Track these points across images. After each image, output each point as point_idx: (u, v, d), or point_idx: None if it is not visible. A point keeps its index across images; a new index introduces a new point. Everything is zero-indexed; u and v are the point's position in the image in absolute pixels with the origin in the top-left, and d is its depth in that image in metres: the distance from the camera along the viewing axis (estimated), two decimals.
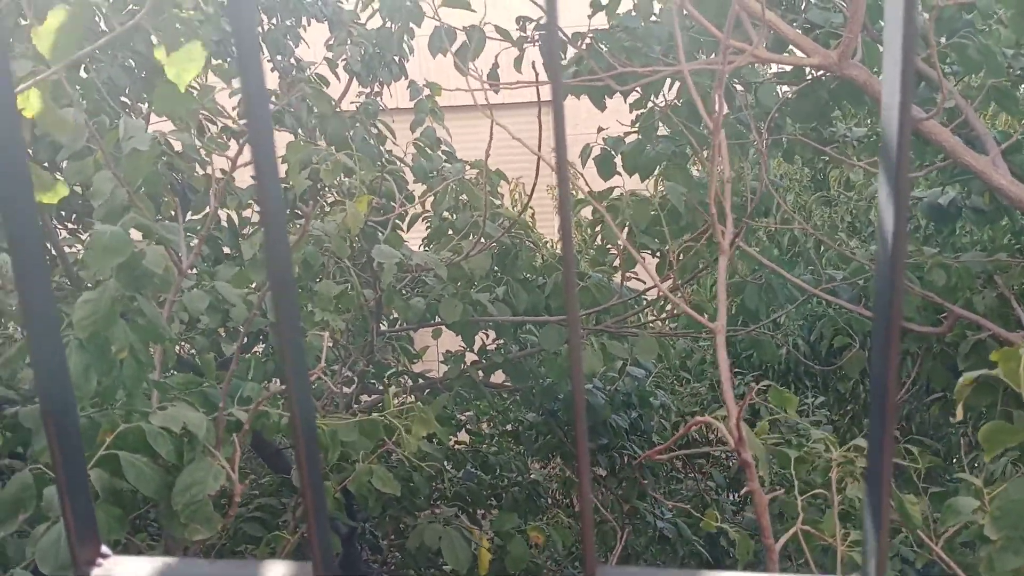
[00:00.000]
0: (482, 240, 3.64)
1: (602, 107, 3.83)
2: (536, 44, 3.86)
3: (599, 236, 3.94)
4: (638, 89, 3.67)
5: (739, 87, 3.83)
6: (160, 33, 1.97)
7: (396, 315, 4.05)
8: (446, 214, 3.92)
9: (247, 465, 4.44)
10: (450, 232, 3.93)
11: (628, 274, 3.97)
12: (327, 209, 3.57)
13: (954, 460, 4.17)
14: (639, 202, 3.59)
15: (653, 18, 3.75)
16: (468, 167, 3.88)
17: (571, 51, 3.80)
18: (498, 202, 3.97)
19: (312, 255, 3.08)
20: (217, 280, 2.74)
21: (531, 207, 4.16)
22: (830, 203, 5.13)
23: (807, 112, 3.76)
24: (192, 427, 1.91)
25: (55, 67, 1.54)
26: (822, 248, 4.59)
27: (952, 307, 3.45)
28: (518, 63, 3.84)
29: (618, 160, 3.95)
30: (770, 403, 2.54)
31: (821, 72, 3.54)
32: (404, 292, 3.80)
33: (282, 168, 3.62)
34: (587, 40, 3.71)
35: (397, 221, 3.83)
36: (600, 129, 3.94)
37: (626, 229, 3.63)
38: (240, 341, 2.40)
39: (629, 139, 3.97)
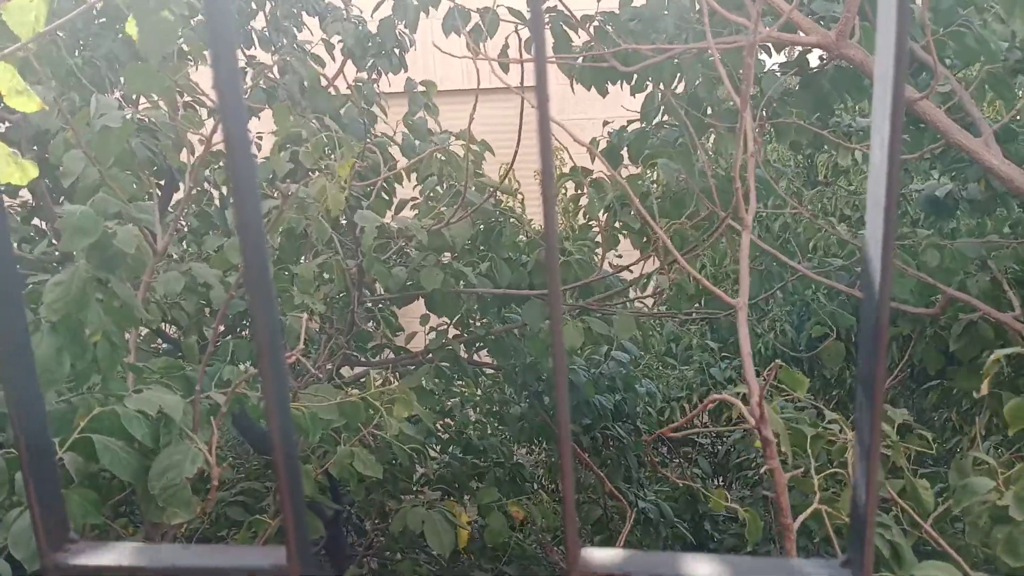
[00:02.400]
0: (464, 209, 3.63)
1: (604, 92, 3.85)
2: (548, 25, 3.86)
3: (582, 213, 3.95)
4: (647, 76, 3.70)
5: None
6: (133, 8, 1.93)
7: (379, 286, 4.04)
8: (433, 189, 3.91)
9: (232, 449, 4.42)
10: (432, 203, 3.93)
11: (614, 257, 3.98)
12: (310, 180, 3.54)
13: (946, 448, 4.21)
14: (631, 178, 3.61)
15: (664, 12, 3.80)
16: (453, 138, 3.85)
17: (580, 36, 3.85)
18: (481, 173, 3.96)
19: (295, 222, 3.05)
20: (197, 260, 2.70)
21: (520, 192, 4.17)
22: (817, 186, 5.13)
23: (810, 103, 3.82)
24: (168, 410, 1.88)
25: (22, 42, 1.50)
26: (815, 234, 4.61)
27: (945, 288, 3.49)
28: (528, 45, 3.82)
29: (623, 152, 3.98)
30: (781, 384, 2.54)
31: (822, 63, 3.63)
32: (387, 263, 3.79)
33: (267, 145, 3.62)
34: (595, 23, 3.75)
35: (383, 194, 3.80)
36: (603, 121, 4.01)
37: (607, 210, 3.65)
38: (218, 323, 2.36)
39: (632, 127, 4.00)
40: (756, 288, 4.09)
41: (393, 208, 4.07)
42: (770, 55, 3.95)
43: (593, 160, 3.75)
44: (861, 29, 3.25)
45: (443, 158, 3.74)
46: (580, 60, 3.76)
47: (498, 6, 3.90)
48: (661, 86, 3.80)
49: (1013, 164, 3.08)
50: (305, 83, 3.96)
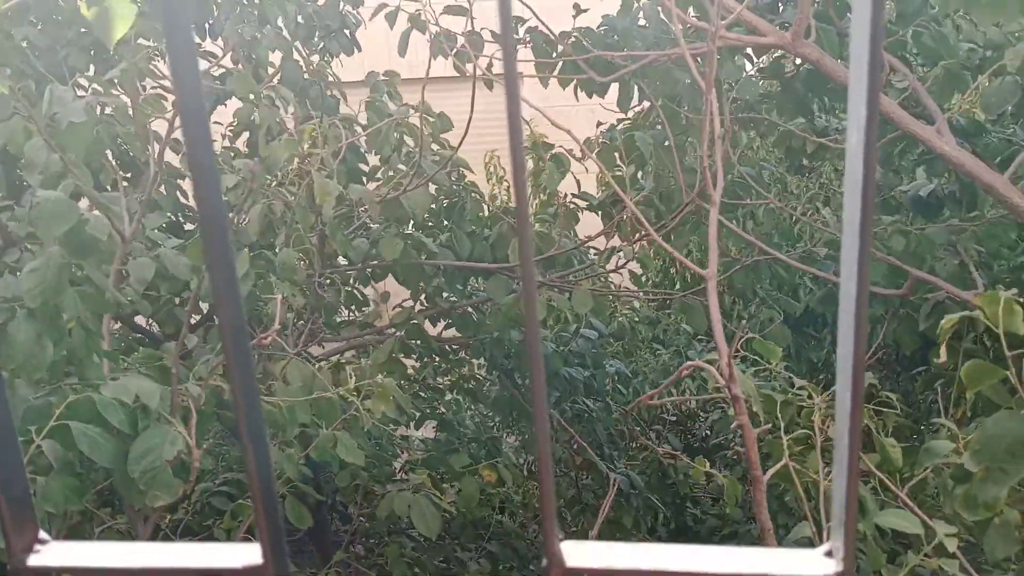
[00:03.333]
0: (420, 177, 3.63)
1: (590, 94, 4.01)
2: (528, 45, 4.01)
3: (543, 189, 3.99)
4: (630, 81, 3.87)
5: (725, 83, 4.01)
6: None
7: (342, 261, 4.02)
8: (389, 160, 3.89)
9: (216, 438, 4.39)
10: (389, 175, 3.92)
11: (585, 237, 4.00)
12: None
13: (921, 426, 4.29)
14: (608, 148, 3.73)
15: (642, 24, 3.99)
16: (412, 111, 3.82)
17: (559, 50, 3.98)
18: (441, 147, 3.95)
19: (264, 202, 3.02)
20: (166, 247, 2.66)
21: (505, 180, 4.21)
22: (802, 173, 5.15)
23: (790, 106, 4.04)
24: (144, 397, 1.87)
25: None
26: (798, 222, 4.67)
27: (911, 269, 3.63)
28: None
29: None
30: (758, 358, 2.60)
31: (797, 66, 3.88)
32: (350, 233, 3.78)
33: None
34: (572, 39, 3.92)
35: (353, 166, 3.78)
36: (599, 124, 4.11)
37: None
38: (190, 309, 2.34)
39: (621, 125, 4.14)
40: (744, 282, 4.21)
41: (365, 179, 4.06)
42: (752, 63, 4.18)
43: (583, 158, 3.83)
44: (819, 31, 3.45)
45: (402, 130, 3.73)
46: (557, 70, 3.93)
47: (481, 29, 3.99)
48: (641, 84, 3.94)
49: (963, 150, 3.25)
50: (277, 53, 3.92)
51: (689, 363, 2.41)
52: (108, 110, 2.78)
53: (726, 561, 0.53)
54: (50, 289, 1.80)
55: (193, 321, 3.60)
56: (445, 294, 4.31)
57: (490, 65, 3.91)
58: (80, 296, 1.88)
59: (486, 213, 4.19)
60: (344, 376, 2.76)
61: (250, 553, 0.51)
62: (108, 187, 2.85)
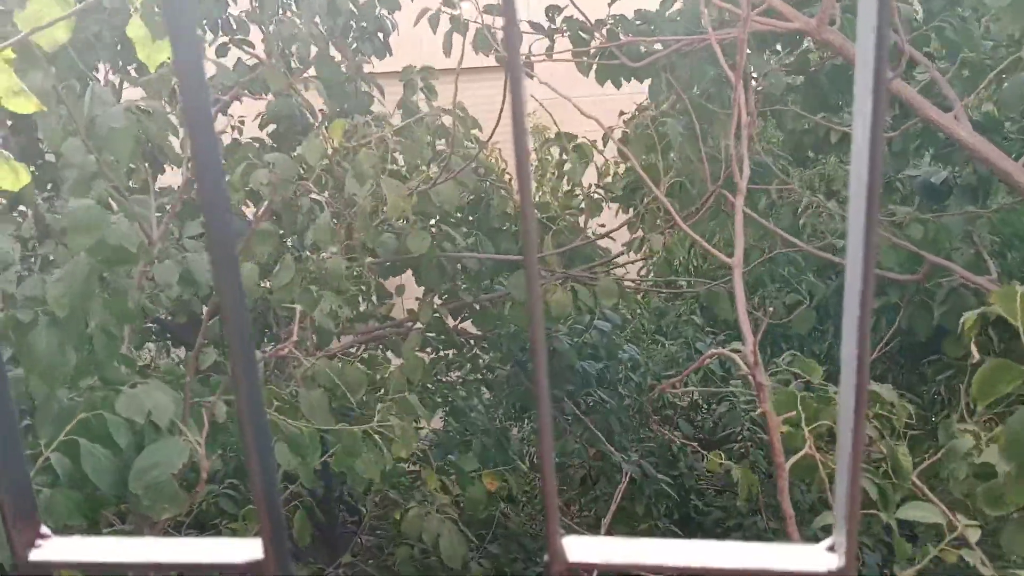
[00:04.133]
0: (449, 171, 3.66)
1: (619, 85, 4.13)
2: (566, 34, 4.13)
3: (565, 179, 4.02)
4: (659, 72, 3.98)
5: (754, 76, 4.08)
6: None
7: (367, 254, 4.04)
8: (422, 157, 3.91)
9: (218, 438, 4.42)
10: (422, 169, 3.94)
11: (597, 227, 4.00)
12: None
13: (933, 416, 4.29)
14: (635, 138, 3.80)
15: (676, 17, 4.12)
16: (443, 114, 3.85)
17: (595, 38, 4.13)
18: (470, 145, 3.97)
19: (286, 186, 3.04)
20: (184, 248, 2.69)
21: (508, 172, 4.23)
22: (806, 165, 5.12)
23: (813, 101, 4.15)
24: (157, 414, 1.87)
25: (22, 34, 1.49)
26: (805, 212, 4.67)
27: (926, 255, 3.68)
28: (550, 52, 4.14)
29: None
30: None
31: (823, 59, 4.00)
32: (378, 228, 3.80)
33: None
34: (607, 26, 4.08)
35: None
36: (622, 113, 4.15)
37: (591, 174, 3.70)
38: (207, 319, 2.36)
39: (644, 114, 4.17)
40: (760, 273, 4.22)
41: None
42: (777, 55, 4.27)
43: (605, 144, 3.85)
44: (843, 18, 3.52)
45: (433, 130, 3.75)
46: (594, 57, 4.06)
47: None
48: (669, 77, 4.03)
49: (980, 136, 3.31)
50: (313, 49, 3.95)
51: (714, 351, 2.49)
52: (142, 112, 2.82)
53: (728, 556, 0.52)
54: (77, 297, 1.81)
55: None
56: (465, 287, 4.33)
57: (528, 56, 4.01)
58: (105, 303, 1.89)
59: (511, 209, 4.19)
60: (372, 373, 2.77)
61: (251, 548, 0.51)
62: (137, 187, 2.87)
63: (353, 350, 4.26)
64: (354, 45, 4.47)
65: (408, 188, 3.51)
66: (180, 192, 2.57)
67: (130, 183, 2.89)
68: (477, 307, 4.26)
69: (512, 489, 4.09)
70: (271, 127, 4.26)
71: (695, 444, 4.91)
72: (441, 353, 4.82)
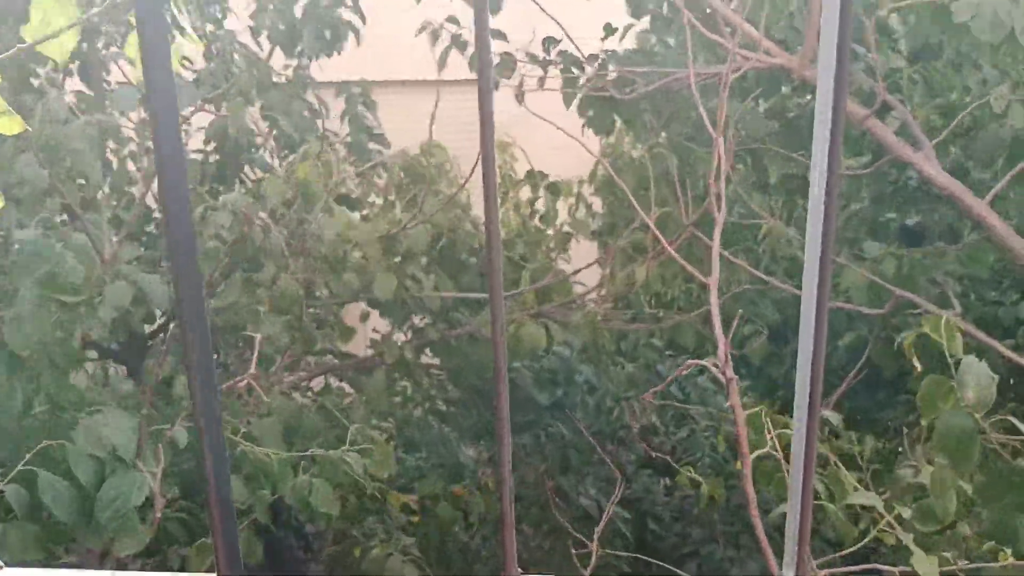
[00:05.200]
0: (421, 215, 3.64)
1: (609, 131, 4.25)
2: (559, 67, 4.20)
3: (538, 217, 4.05)
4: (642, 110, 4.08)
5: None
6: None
7: (325, 291, 4.00)
8: (389, 196, 3.90)
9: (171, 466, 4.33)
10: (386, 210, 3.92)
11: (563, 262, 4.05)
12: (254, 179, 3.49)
13: (899, 451, 4.37)
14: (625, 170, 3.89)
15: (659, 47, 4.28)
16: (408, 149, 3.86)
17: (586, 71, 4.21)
18: (439, 183, 3.99)
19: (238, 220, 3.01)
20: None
21: (467, 189, 4.21)
22: (767, 191, 5.22)
23: (792, 142, 4.30)
24: (121, 448, 1.85)
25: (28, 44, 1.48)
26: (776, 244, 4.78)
27: (892, 288, 3.77)
28: (541, 82, 4.19)
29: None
30: None
31: (800, 107, 4.17)
32: (340, 267, 3.76)
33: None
34: (599, 60, 4.17)
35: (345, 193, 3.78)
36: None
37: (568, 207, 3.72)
38: (167, 345, 2.34)
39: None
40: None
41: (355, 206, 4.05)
42: (757, 103, 4.37)
43: (592, 180, 3.82)
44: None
45: (397, 164, 3.74)
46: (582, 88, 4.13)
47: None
48: (650, 118, 4.19)
49: (948, 175, 3.47)
50: (255, 72, 3.90)
51: (691, 361, 2.61)
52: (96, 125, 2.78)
53: None
54: (32, 335, 1.78)
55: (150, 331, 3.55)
56: (429, 322, 4.31)
57: (521, 84, 4.05)
58: (55, 343, 1.86)
59: (478, 244, 4.19)
60: (330, 401, 2.75)
61: None
62: (92, 195, 2.83)
63: (309, 384, 4.23)
64: (300, 48, 4.30)
65: (377, 231, 3.51)
66: (135, 209, 2.53)
67: (86, 201, 2.85)
68: (440, 341, 4.25)
69: (476, 508, 4.07)
70: (213, 144, 4.17)
71: (650, 470, 4.91)
72: (398, 387, 4.79)
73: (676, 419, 5.60)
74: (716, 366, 2.35)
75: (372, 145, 4.40)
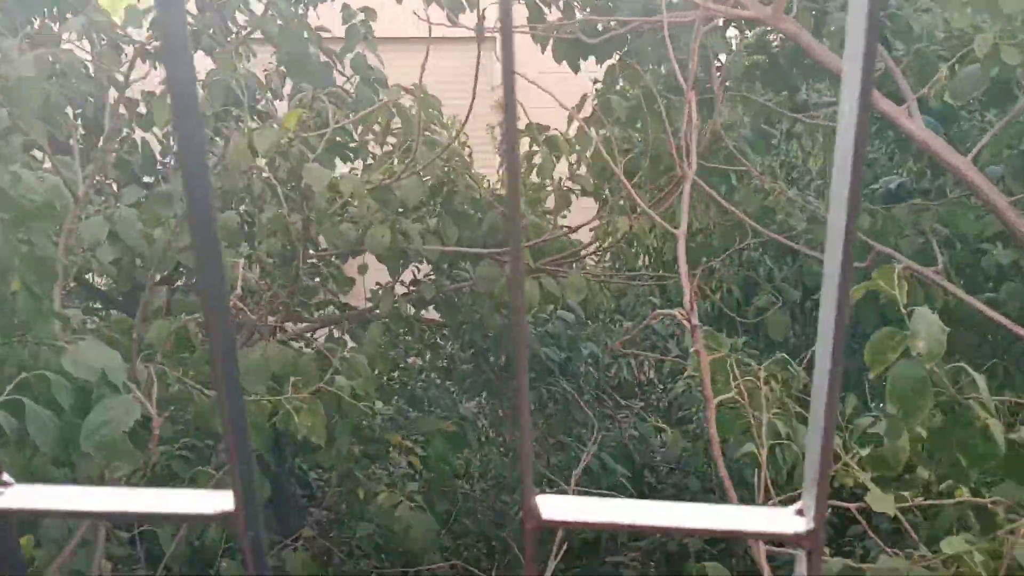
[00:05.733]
0: (414, 166, 3.53)
1: (576, 68, 4.08)
2: (521, 2, 4.01)
3: (535, 172, 3.95)
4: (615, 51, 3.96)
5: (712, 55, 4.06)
6: None
7: (324, 243, 3.94)
8: (384, 143, 3.81)
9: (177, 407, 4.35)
10: (382, 160, 3.82)
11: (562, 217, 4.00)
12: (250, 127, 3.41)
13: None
14: (583, 137, 3.71)
15: None
16: (404, 93, 3.74)
17: (551, 12, 4.06)
18: (435, 128, 3.87)
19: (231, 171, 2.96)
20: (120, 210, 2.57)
21: (469, 146, 4.11)
22: (770, 151, 5.18)
23: (776, 81, 4.17)
24: (110, 373, 1.82)
25: None
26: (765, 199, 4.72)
27: (874, 243, 3.68)
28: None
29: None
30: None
31: (784, 40, 3.98)
32: (335, 218, 3.70)
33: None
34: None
35: (341, 142, 3.70)
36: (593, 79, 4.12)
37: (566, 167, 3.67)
38: (151, 278, 2.31)
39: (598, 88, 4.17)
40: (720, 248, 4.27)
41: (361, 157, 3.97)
42: (741, 32, 4.25)
43: (569, 123, 3.79)
44: (799, 7, 3.55)
45: (393, 111, 3.63)
46: (553, 32, 3.98)
47: None
48: (630, 60, 4.00)
49: (930, 131, 3.36)
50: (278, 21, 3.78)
51: (659, 312, 2.65)
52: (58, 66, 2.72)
53: (698, 517, 0.53)
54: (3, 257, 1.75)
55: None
56: (429, 276, 4.27)
57: (482, 20, 3.76)
58: (24, 259, 1.82)
59: (478, 196, 4.11)
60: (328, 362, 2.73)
61: (222, 500, 0.50)
62: (67, 138, 2.77)
63: (313, 335, 4.22)
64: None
65: (370, 183, 3.44)
66: (106, 145, 2.48)
67: (60, 144, 2.78)
68: (442, 296, 4.22)
69: (471, 444, 4.08)
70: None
71: (648, 420, 4.94)
72: (399, 340, 4.78)
73: (673, 374, 5.63)
74: (683, 314, 2.38)
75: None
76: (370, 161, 3.90)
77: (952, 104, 4.07)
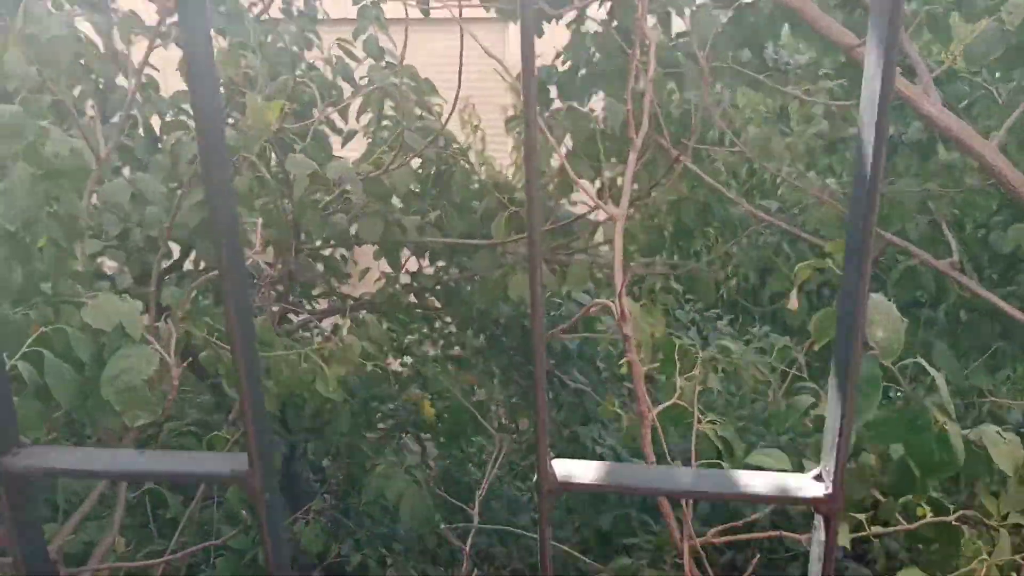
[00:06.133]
0: (405, 154, 3.45)
1: (539, 32, 3.73)
2: None
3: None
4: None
5: (676, 14, 3.73)
6: None
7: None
8: (382, 123, 3.75)
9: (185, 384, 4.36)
10: (372, 147, 3.74)
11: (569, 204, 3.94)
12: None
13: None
14: (577, 116, 3.51)
15: None
16: (393, 76, 3.62)
17: None
18: (423, 112, 3.76)
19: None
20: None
21: (481, 128, 4.05)
22: (787, 134, 5.09)
23: (740, 38, 3.75)
24: (126, 322, 1.83)
25: None
26: (778, 180, 4.61)
27: (883, 233, 3.48)
28: None
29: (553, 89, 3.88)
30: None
31: None
32: (327, 208, 3.58)
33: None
34: None
35: (327, 130, 3.63)
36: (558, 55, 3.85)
37: (563, 149, 3.59)
38: (164, 244, 2.31)
39: (565, 67, 3.93)
40: (692, 220, 4.10)
41: (342, 139, 3.91)
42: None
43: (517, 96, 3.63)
44: None
45: (384, 94, 3.57)
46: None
47: None
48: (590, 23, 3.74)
49: (951, 114, 3.05)
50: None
51: (597, 300, 2.41)
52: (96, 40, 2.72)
53: (716, 482, 0.53)
54: (26, 210, 1.76)
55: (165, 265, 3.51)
56: (437, 268, 4.23)
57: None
58: (52, 218, 1.84)
59: (476, 184, 4.00)
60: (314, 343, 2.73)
61: (237, 461, 0.50)
62: (88, 114, 2.77)
63: (319, 323, 4.20)
64: None
65: (359, 172, 3.35)
66: (126, 110, 2.48)
67: (81, 109, 2.77)
68: (440, 286, 4.17)
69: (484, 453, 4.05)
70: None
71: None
72: (411, 326, 4.76)
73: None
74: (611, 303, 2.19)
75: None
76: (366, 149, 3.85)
77: (949, 67, 3.74)
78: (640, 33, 2.56)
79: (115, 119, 3.15)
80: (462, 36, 3.15)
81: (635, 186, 3.74)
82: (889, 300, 3.68)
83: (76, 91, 2.71)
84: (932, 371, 1.99)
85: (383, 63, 3.82)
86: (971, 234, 4.00)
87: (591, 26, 3.82)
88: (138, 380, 1.81)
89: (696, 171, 3.59)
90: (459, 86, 3.31)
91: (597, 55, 3.78)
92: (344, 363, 2.64)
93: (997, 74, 3.86)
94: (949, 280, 3.43)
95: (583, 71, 3.70)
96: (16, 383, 1.74)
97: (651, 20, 3.64)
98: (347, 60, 3.91)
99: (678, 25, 3.78)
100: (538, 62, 3.81)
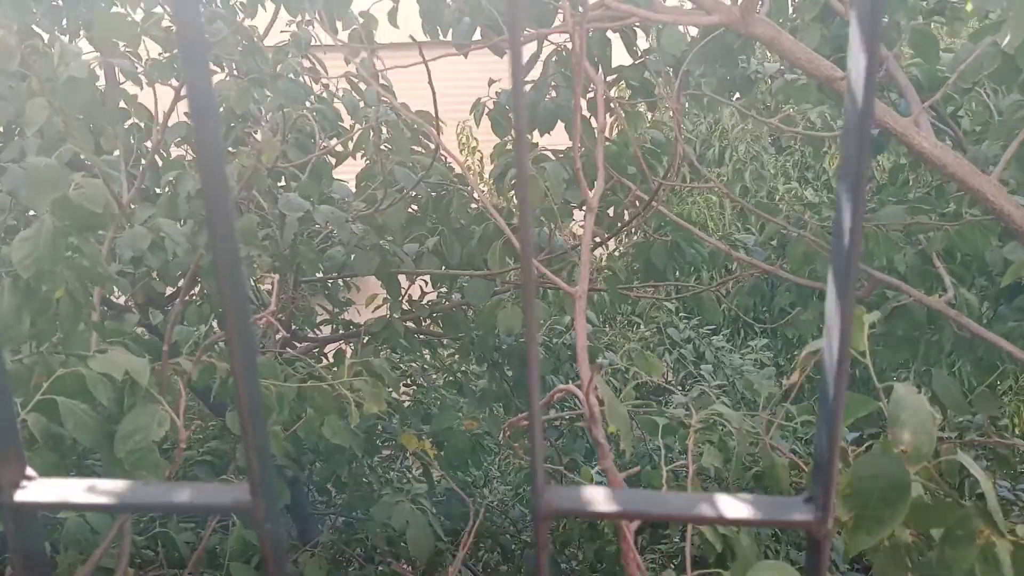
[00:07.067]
0: (400, 192, 3.47)
1: (501, 54, 3.66)
2: None
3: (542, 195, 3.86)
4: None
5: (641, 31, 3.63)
6: None
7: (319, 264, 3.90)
8: (371, 166, 3.76)
9: (193, 409, 4.37)
10: (370, 182, 3.75)
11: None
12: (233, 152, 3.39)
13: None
14: (554, 165, 3.52)
15: None
16: (390, 109, 3.62)
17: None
18: (419, 148, 3.79)
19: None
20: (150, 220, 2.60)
21: (479, 151, 4.06)
22: (781, 151, 5.12)
23: (712, 56, 3.62)
24: (135, 374, 1.85)
25: None
26: (776, 198, 4.59)
27: (871, 271, 3.27)
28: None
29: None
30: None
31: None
32: (323, 241, 3.62)
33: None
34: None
35: (328, 159, 3.64)
36: (492, 82, 3.80)
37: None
38: (187, 287, 2.33)
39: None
40: (663, 261, 4.05)
41: (334, 163, 3.89)
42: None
43: (479, 124, 3.64)
44: (772, 1, 3.09)
45: (378, 130, 3.58)
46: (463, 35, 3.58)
47: None
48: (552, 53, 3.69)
49: (947, 148, 2.75)
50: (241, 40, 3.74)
51: (561, 387, 2.13)
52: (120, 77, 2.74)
53: (707, 505, 0.54)
54: (42, 259, 1.78)
55: (168, 292, 3.52)
56: (439, 294, 4.23)
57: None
58: (68, 266, 1.86)
59: (474, 207, 3.99)
60: (343, 368, 2.73)
61: (239, 491, 0.51)
62: (112, 149, 2.79)
63: (322, 351, 4.22)
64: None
65: (355, 209, 3.37)
66: (152, 152, 2.50)
67: (102, 148, 2.80)
68: (437, 313, 4.18)
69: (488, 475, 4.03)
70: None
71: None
72: (414, 355, 4.77)
73: (688, 380, 5.60)
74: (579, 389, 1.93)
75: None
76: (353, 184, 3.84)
77: (932, 72, 3.50)
78: (578, 76, 2.39)
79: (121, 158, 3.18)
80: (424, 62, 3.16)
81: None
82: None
83: (100, 138, 2.74)
84: (977, 472, 1.61)
85: (379, 100, 3.83)
86: (963, 263, 3.74)
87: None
88: (147, 442, 1.82)
89: (664, 211, 3.53)
90: (436, 112, 3.31)
91: (553, 91, 3.72)
92: (376, 401, 2.64)
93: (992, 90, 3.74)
94: (946, 321, 3.23)
95: (547, 104, 3.63)
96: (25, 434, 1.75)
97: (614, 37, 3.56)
98: (353, 94, 3.94)
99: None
100: (495, 86, 3.79)
